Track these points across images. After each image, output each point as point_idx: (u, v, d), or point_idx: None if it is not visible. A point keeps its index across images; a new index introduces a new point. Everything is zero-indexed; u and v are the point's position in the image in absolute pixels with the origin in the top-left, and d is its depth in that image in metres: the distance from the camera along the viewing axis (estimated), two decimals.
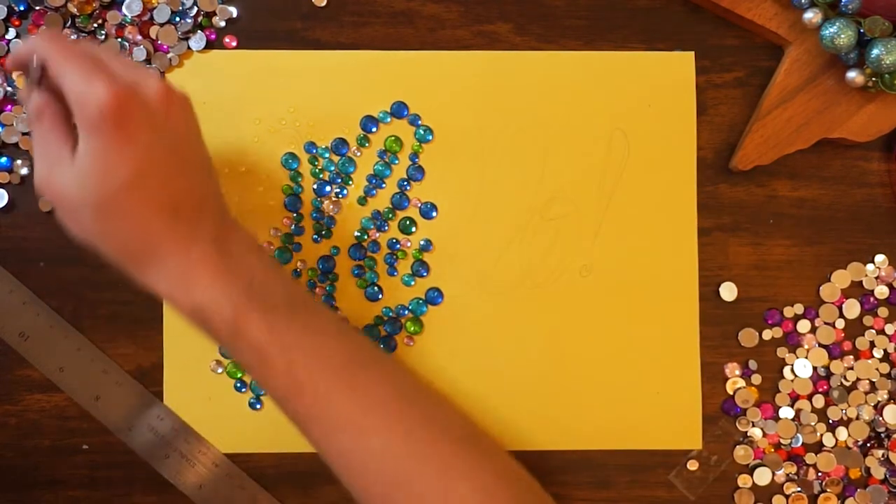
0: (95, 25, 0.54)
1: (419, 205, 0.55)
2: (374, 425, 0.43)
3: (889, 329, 0.56)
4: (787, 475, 0.55)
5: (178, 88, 0.43)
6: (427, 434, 0.44)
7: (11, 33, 0.54)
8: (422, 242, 0.55)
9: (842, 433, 0.55)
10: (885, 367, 0.56)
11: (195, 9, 0.54)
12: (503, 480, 0.44)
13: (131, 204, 0.41)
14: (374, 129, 0.55)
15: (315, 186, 0.55)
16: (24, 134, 0.54)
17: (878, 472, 0.55)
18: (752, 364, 0.55)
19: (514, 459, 0.46)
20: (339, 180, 0.55)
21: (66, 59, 0.40)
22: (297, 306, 0.44)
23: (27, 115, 0.43)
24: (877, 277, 0.56)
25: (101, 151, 0.40)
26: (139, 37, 0.54)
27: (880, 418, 0.55)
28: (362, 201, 0.55)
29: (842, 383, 0.56)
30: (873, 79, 0.52)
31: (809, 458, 0.55)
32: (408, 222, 0.55)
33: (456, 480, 0.43)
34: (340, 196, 0.55)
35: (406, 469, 0.43)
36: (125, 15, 0.54)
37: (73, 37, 0.54)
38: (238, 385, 0.54)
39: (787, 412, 0.55)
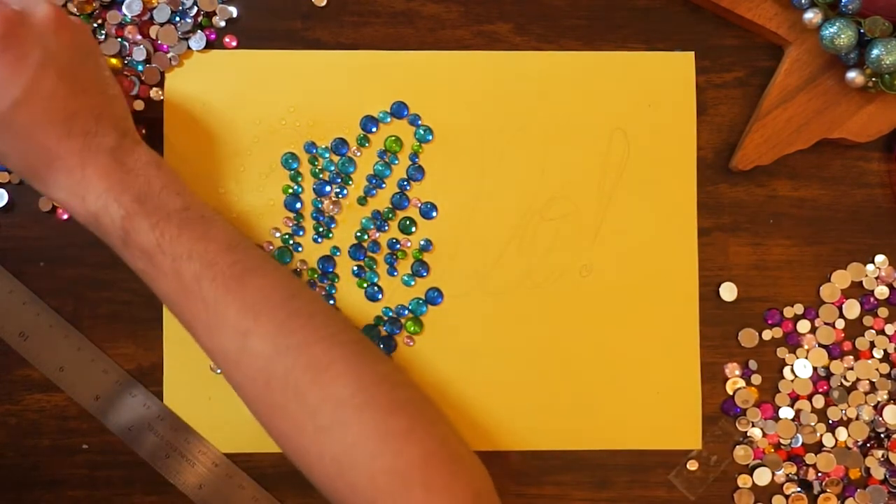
0: (95, 25, 0.54)
1: (419, 205, 0.55)
2: (257, 328, 0.44)
3: (889, 329, 0.56)
4: (787, 475, 0.55)
5: (72, 17, 0.45)
6: (310, 335, 0.45)
7: None
8: (422, 242, 0.55)
9: (842, 433, 0.55)
10: (885, 368, 0.56)
11: (195, 9, 0.54)
12: (386, 384, 0.45)
13: (24, 120, 0.43)
14: (374, 129, 0.55)
15: (315, 186, 0.55)
16: None
17: (878, 473, 0.55)
18: (752, 364, 0.55)
19: (402, 369, 0.47)
20: (339, 180, 0.55)
21: None
22: (191, 217, 0.46)
23: None
24: (877, 278, 0.56)
25: None
26: (139, 37, 0.54)
27: (880, 418, 0.55)
28: (362, 201, 0.55)
29: (842, 383, 0.56)
30: (873, 79, 0.52)
31: (809, 458, 0.55)
32: (408, 222, 0.55)
33: (335, 379, 0.44)
34: (340, 196, 0.55)
35: (284, 366, 0.44)
36: (125, 15, 0.54)
37: None
38: None
39: (787, 412, 0.55)
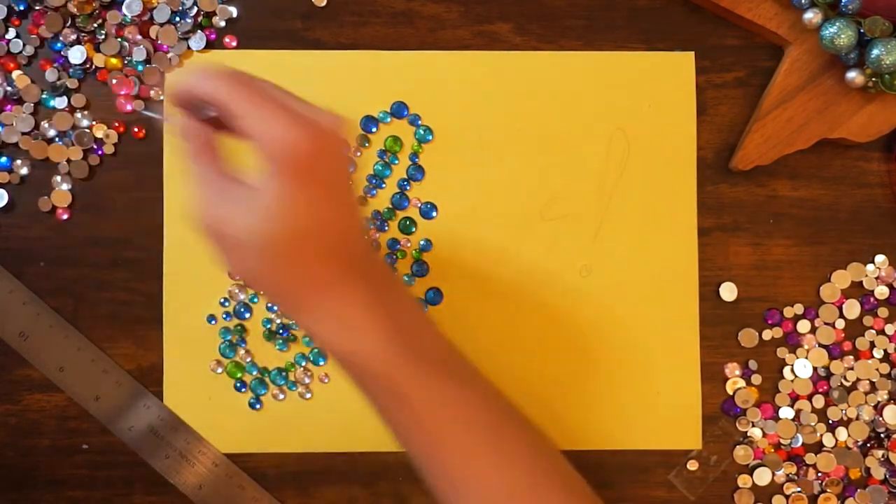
0: (95, 25, 0.54)
1: (419, 205, 0.55)
2: (506, 485, 0.42)
3: (889, 329, 0.56)
4: (787, 475, 0.55)
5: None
6: (554, 496, 0.43)
7: (11, 33, 0.54)
8: (422, 242, 0.55)
9: (842, 433, 0.55)
10: (885, 368, 0.56)
11: (195, 9, 0.54)
12: None
13: (302, 247, 0.39)
14: (374, 129, 0.55)
15: None
16: (24, 134, 0.54)
17: (878, 473, 0.55)
18: (752, 364, 0.55)
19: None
20: None
21: (254, 102, 0.39)
22: (445, 358, 0.44)
23: (184, 144, 0.41)
24: (877, 278, 0.56)
25: (284, 194, 0.38)
26: (139, 37, 0.54)
27: (880, 418, 0.55)
28: (362, 201, 0.55)
29: (842, 383, 0.56)
30: (873, 79, 0.52)
31: (809, 458, 0.55)
32: (408, 222, 0.55)
33: None
34: None
35: None
36: (125, 15, 0.54)
37: (72, 37, 0.54)
38: (238, 385, 0.54)
39: (787, 412, 0.55)
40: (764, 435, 0.55)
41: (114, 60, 0.54)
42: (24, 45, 0.54)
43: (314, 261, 0.40)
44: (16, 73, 0.54)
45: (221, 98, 0.39)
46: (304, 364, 0.54)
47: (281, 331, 0.54)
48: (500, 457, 0.42)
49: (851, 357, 0.56)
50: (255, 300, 0.54)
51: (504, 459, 0.42)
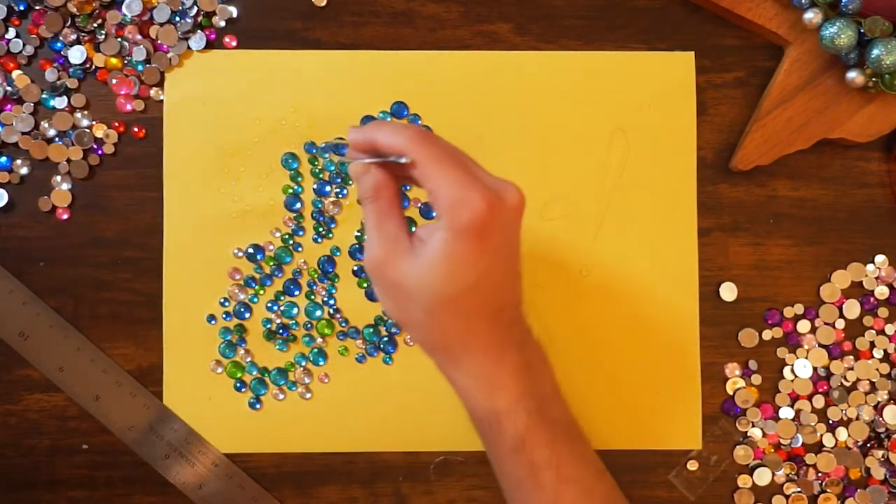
0: (95, 25, 0.54)
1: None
2: None
3: (889, 329, 0.56)
4: (787, 475, 0.55)
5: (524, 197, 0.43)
6: None
7: (11, 33, 0.54)
8: None
9: (842, 433, 0.55)
10: (885, 368, 0.56)
11: (195, 9, 0.54)
12: None
13: (465, 305, 0.41)
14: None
15: (315, 186, 0.55)
16: (24, 133, 0.54)
17: (878, 473, 0.55)
18: (752, 364, 0.55)
19: None
20: (340, 180, 0.55)
21: (440, 164, 0.41)
22: (574, 435, 0.45)
23: (361, 190, 0.43)
24: (877, 278, 0.56)
25: (458, 254, 0.40)
26: (139, 37, 0.54)
27: (880, 418, 0.55)
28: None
29: (842, 384, 0.56)
30: (873, 79, 0.52)
31: (809, 458, 0.55)
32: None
33: None
34: (341, 196, 0.55)
35: None
36: (125, 15, 0.54)
37: (72, 36, 0.54)
38: (238, 385, 0.54)
39: (787, 412, 0.55)
40: (764, 435, 0.55)
41: (114, 60, 0.54)
42: (24, 45, 0.54)
43: (474, 319, 0.42)
44: (16, 73, 0.54)
45: (410, 153, 0.41)
46: (304, 364, 0.54)
47: (281, 331, 0.54)
48: None
49: (851, 357, 0.56)
50: (255, 300, 0.54)
51: None
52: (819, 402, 0.56)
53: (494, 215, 0.40)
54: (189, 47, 0.54)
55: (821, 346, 0.56)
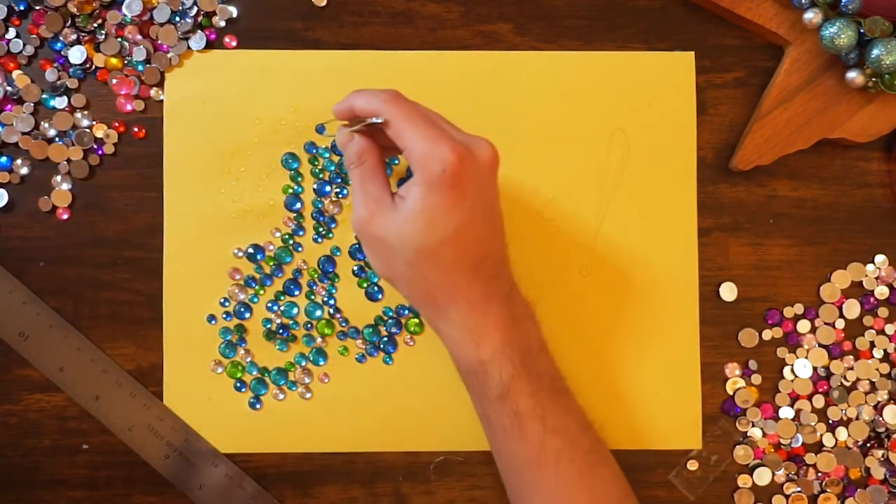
0: (95, 25, 0.54)
1: None
2: None
3: (889, 329, 0.56)
4: (787, 475, 0.55)
5: (497, 152, 0.45)
6: None
7: (11, 33, 0.54)
8: None
9: (842, 433, 0.55)
10: (885, 368, 0.56)
11: (195, 9, 0.54)
12: None
13: (446, 256, 0.43)
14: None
15: (315, 186, 0.55)
16: (24, 133, 0.54)
17: (878, 472, 0.55)
18: (752, 364, 0.55)
19: None
20: (340, 180, 0.55)
21: (411, 121, 0.43)
22: (560, 388, 0.47)
23: (346, 157, 0.46)
24: (877, 278, 0.56)
25: (433, 205, 0.42)
26: (139, 37, 0.54)
27: (880, 418, 0.55)
28: None
29: (842, 383, 0.56)
30: (873, 79, 0.52)
31: (809, 458, 0.55)
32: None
33: None
34: (341, 196, 0.55)
35: None
36: (125, 15, 0.54)
37: (72, 36, 0.54)
38: (238, 385, 0.54)
39: (787, 412, 0.55)
40: (764, 435, 0.55)
41: (114, 60, 0.54)
42: (24, 45, 0.54)
43: (455, 270, 0.44)
44: (16, 73, 0.54)
45: (384, 117, 0.44)
46: (303, 364, 0.54)
47: (281, 331, 0.54)
48: (591, 498, 0.45)
49: (851, 357, 0.56)
50: (255, 300, 0.54)
51: (591, 488, 0.45)
52: (819, 401, 0.56)
53: (465, 167, 0.42)
54: (189, 47, 0.54)
55: (821, 346, 0.56)
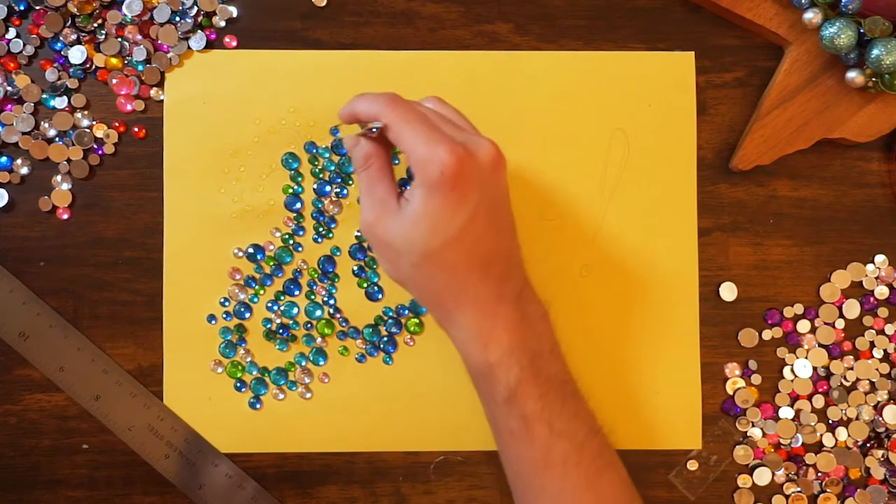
0: (95, 25, 0.54)
1: None
2: None
3: (889, 329, 0.56)
4: (787, 475, 0.55)
5: (501, 151, 0.45)
6: None
7: (11, 33, 0.54)
8: None
9: (842, 433, 0.55)
10: (885, 368, 0.56)
11: (195, 9, 0.54)
12: None
13: (451, 258, 0.43)
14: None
15: (315, 186, 0.55)
16: (24, 133, 0.54)
17: (878, 473, 0.55)
18: (752, 364, 0.55)
19: None
20: (340, 180, 0.55)
21: (409, 124, 0.43)
22: (569, 391, 0.46)
23: (354, 161, 0.46)
24: (877, 277, 0.56)
25: (434, 208, 0.42)
26: (139, 37, 0.54)
27: (880, 418, 0.55)
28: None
29: (842, 383, 0.56)
30: (873, 79, 0.52)
31: (809, 458, 0.55)
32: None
33: None
34: (341, 196, 0.55)
35: None
36: (125, 15, 0.54)
37: (72, 36, 0.54)
38: (238, 385, 0.54)
39: (786, 412, 0.55)
40: (764, 435, 0.55)
41: (114, 60, 0.54)
42: (24, 45, 0.54)
43: (462, 272, 0.43)
44: (16, 73, 0.54)
45: (383, 120, 0.44)
46: (303, 364, 0.54)
47: (281, 331, 0.54)
48: (597, 499, 0.45)
49: (851, 357, 0.56)
50: (255, 300, 0.55)
51: (595, 493, 0.45)
52: (819, 402, 0.56)
53: (464, 168, 0.42)
54: (189, 47, 0.54)
55: (821, 346, 0.56)
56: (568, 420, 0.45)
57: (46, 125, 0.54)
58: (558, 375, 0.46)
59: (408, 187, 0.45)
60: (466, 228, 0.43)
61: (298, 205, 0.55)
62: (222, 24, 0.55)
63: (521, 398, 0.44)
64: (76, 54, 0.54)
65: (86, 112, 0.54)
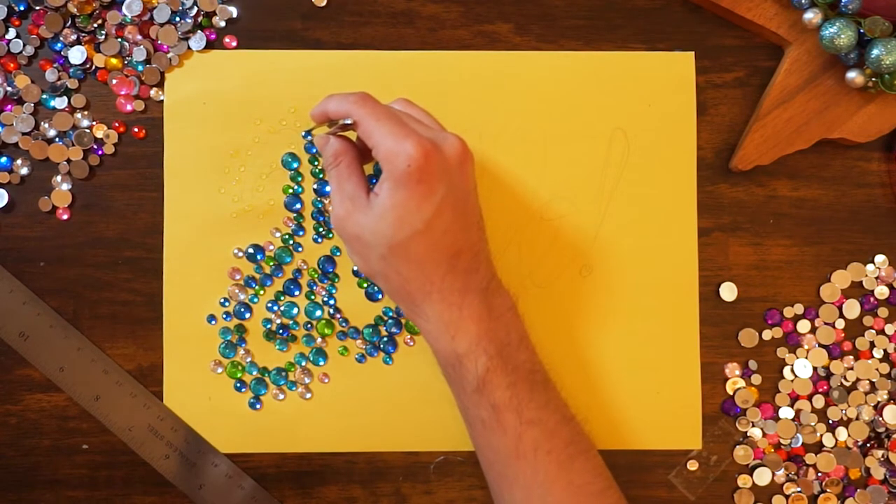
0: (95, 25, 0.54)
1: None
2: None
3: (889, 329, 0.56)
4: (787, 475, 0.55)
5: (468, 146, 0.46)
6: None
7: (11, 33, 0.54)
8: None
9: (842, 433, 0.55)
10: (885, 368, 0.56)
11: (195, 9, 0.54)
12: None
13: (418, 250, 0.44)
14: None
15: (315, 186, 0.55)
16: (24, 134, 0.54)
17: (878, 473, 0.55)
18: (752, 364, 0.55)
19: None
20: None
21: (378, 120, 0.44)
22: (539, 380, 0.47)
23: (324, 158, 0.48)
24: (877, 277, 0.56)
25: (401, 201, 0.43)
26: (139, 37, 0.54)
27: (880, 418, 0.55)
28: None
29: (842, 383, 0.56)
30: (873, 79, 0.52)
31: (809, 458, 0.55)
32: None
33: None
34: None
35: None
36: (125, 15, 0.54)
37: (72, 37, 0.54)
38: (238, 385, 0.54)
39: (786, 412, 0.55)
40: (764, 435, 0.55)
41: (114, 60, 0.54)
42: (24, 45, 0.54)
43: (429, 264, 0.44)
44: (16, 74, 0.54)
45: (353, 117, 0.45)
46: (303, 364, 0.54)
47: (281, 331, 0.54)
48: (570, 489, 0.45)
49: (851, 357, 0.56)
50: (255, 300, 0.55)
51: (573, 494, 0.45)
52: (819, 402, 0.56)
53: (431, 162, 0.43)
54: (189, 47, 0.54)
55: (821, 346, 0.56)
56: (538, 408, 0.45)
57: (46, 125, 0.54)
58: (526, 364, 0.46)
59: (375, 181, 0.46)
60: (433, 221, 0.44)
61: (298, 205, 0.55)
62: (222, 24, 0.55)
63: (489, 387, 0.45)
64: (76, 54, 0.54)
65: (86, 112, 0.54)
